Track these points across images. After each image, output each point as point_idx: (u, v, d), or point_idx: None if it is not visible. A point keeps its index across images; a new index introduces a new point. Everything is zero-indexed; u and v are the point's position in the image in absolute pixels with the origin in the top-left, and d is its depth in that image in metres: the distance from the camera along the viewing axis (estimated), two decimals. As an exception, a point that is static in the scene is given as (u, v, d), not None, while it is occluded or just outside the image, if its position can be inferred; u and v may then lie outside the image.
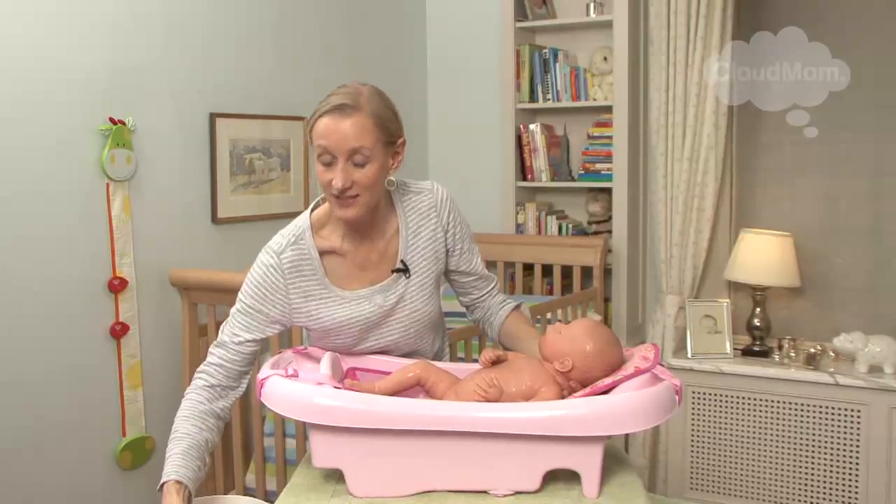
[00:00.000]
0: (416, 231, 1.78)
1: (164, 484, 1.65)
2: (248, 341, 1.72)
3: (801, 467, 3.30)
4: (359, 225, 1.73)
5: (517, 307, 1.94)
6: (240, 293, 1.74)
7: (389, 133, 1.66)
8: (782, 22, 3.43)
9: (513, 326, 1.89)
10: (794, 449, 3.30)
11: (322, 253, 1.72)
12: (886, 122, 3.45)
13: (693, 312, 3.53)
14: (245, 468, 2.95)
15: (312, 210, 1.77)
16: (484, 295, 1.94)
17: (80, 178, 2.67)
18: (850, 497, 3.21)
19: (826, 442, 3.24)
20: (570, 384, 1.60)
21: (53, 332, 2.62)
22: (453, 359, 2.00)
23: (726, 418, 3.42)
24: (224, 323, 1.76)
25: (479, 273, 1.91)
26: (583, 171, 3.88)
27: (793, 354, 3.37)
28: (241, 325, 1.72)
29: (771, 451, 3.35)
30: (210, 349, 1.75)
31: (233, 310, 1.74)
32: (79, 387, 2.69)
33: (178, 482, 1.65)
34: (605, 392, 1.52)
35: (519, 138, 3.94)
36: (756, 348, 3.48)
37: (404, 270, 1.76)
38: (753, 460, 3.38)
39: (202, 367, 1.74)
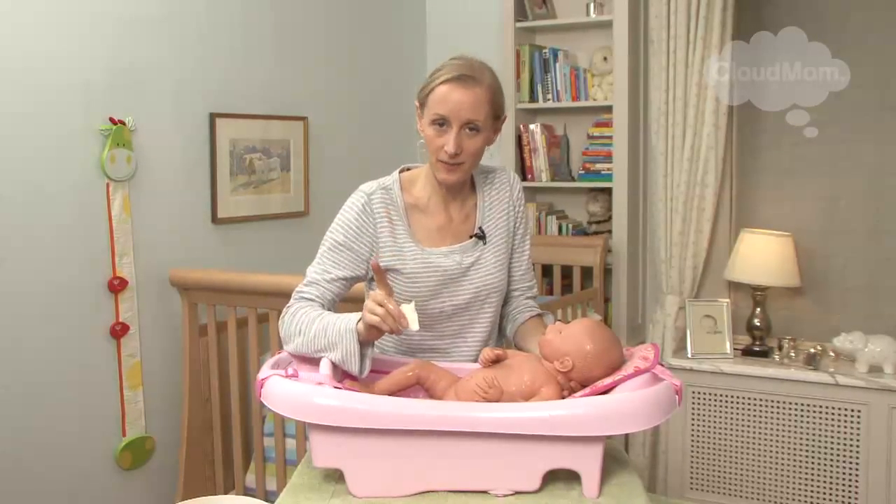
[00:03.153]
0: (491, 204, 1.91)
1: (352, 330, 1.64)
2: (340, 279, 1.78)
3: (801, 467, 3.30)
4: (450, 188, 1.84)
5: (541, 315, 1.96)
6: (328, 233, 1.82)
7: (498, 108, 1.79)
8: (782, 22, 3.43)
9: (530, 329, 1.90)
10: (794, 449, 3.30)
11: (407, 207, 1.83)
12: (886, 122, 3.45)
13: (693, 312, 3.53)
14: (245, 468, 2.95)
15: (401, 172, 1.89)
16: (519, 290, 1.97)
17: (80, 178, 2.67)
18: (850, 497, 3.21)
19: (826, 442, 3.24)
20: (571, 384, 1.60)
21: (53, 332, 2.62)
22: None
23: (726, 418, 3.42)
24: (309, 267, 1.81)
25: (523, 266, 1.96)
26: (583, 171, 3.88)
27: (793, 354, 3.37)
28: (331, 261, 1.79)
29: (771, 451, 3.35)
30: (298, 290, 1.78)
31: (320, 250, 1.81)
32: (79, 387, 2.69)
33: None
34: (605, 392, 1.52)
35: (519, 138, 3.94)
36: (756, 348, 3.48)
37: (482, 237, 1.86)
38: (753, 460, 3.38)
39: (292, 302, 1.77)
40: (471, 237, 1.86)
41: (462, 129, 1.72)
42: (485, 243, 1.86)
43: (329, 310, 1.76)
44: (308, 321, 1.69)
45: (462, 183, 1.85)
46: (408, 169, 1.91)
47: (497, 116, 1.80)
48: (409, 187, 1.86)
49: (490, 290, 1.85)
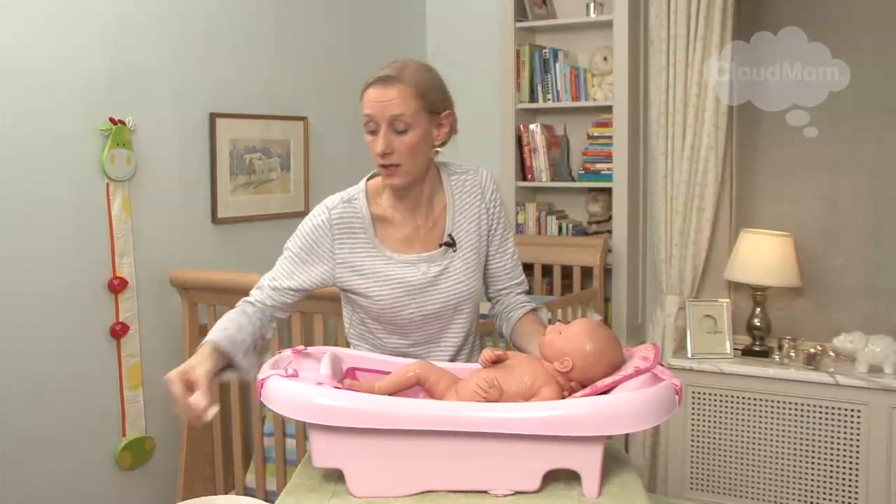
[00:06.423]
0: (462, 208, 1.87)
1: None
2: (287, 288, 1.79)
3: (801, 467, 3.30)
4: (408, 196, 1.81)
5: (535, 310, 1.95)
6: (288, 242, 1.82)
7: (431, 103, 1.74)
8: (782, 22, 3.43)
9: (527, 327, 1.89)
10: (794, 449, 3.30)
11: (374, 218, 1.81)
12: (886, 122, 3.45)
13: (693, 312, 3.53)
14: (245, 468, 2.95)
15: (368, 179, 1.86)
16: (508, 288, 1.95)
17: (80, 178, 2.67)
18: (850, 497, 3.21)
19: (826, 442, 3.24)
20: (571, 384, 1.60)
21: (53, 333, 2.62)
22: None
23: (726, 418, 3.42)
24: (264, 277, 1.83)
25: (507, 262, 1.93)
26: (583, 171, 3.88)
27: (793, 354, 3.37)
28: (283, 270, 1.80)
29: (771, 451, 3.35)
30: (250, 292, 1.82)
31: (279, 259, 1.82)
32: (79, 387, 2.69)
33: (216, 347, 1.66)
34: (605, 392, 1.52)
35: (519, 138, 3.94)
36: (756, 348, 3.48)
37: (451, 244, 1.83)
38: (753, 460, 3.38)
39: (240, 302, 1.80)
40: (440, 245, 1.83)
41: (389, 129, 1.71)
42: (454, 251, 1.83)
43: (269, 316, 1.80)
44: (223, 321, 1.74)
45: (412, 185, 1.79)
46: (376, 175, 1.87)
47: (433, 111, 1.75)
48: (375, 197, 1.83)
49: (461, 298, 1.83)
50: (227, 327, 1.72)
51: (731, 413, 3.41)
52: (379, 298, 1.79)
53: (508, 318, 1.94)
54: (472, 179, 1.90)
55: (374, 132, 1.73)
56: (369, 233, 1.80)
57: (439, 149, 1.81)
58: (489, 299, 2.01)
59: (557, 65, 3.84)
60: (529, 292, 2.00)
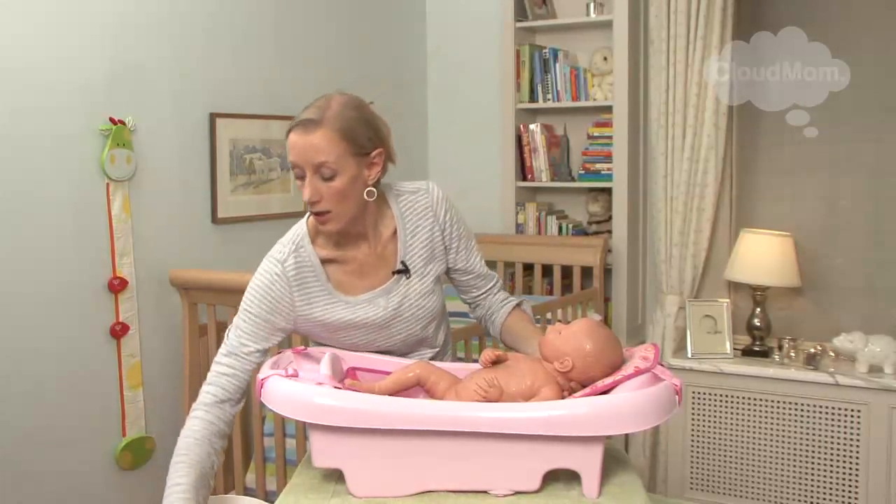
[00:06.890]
0: (413, 231, 1.80)
1: None
2: (257, 351, 1.74)
3: (801, 467, 3.30)
4: (350, 233, 1.75)
5: (519, 305, 1.94)
6: (245, 301, 1.74)
7: (358, 145, 1.66)
8: (782, 22, 3.43)
9: (515, 325, 1.89)
10: (794, 449, 3.30)
11: (322, 261, 1.75)
12: (886, 122, 3.45)
13: (693, 312, 3.53)
14: (245, 468, 2.95)
15: (309, 216, 1.77)
16: (484, 293, 1.94)
17: (80, 178, 2.67)
18: (850, 497, 3.21)
19: (826, 442, 3.24)
20: (570, 384, 1.60)
21: (53, 332, 2.62)
22: (453, 359, 2.01)
23: (726, 418, 3.42)
24: (228, 330, 1.77)
25: (477, 271, 1.91)
26: (583, 171, 3.88)
27: (793, 354, 3.37)
28: (248, 334, 1.73)
29: (771, 451, 3.35)
30: (217, 359, 1.75)
31: (238, 318, 1.75)
32: (79, 387, 2.69)
33: None
34: (605, 392, 1.52)
35: (519, 138, 3.94)
36: (756, 348, 3.48)
37: (404, 271, 1.78)
38: (753, 460, 3.38)
39: (211, 378, 1.73)
40: (393, 273, 1.77)
41: (315, 175, 1.63)
42: (408, 277, 1.78)
43: (245, 386, 1.75)
44: (190, 444, 1.67)
45: (348, 226, 1.71)
46: None
47: (362, 153, 1.67)
48: (318, 238, 1.76)
49: (425, 323, 1.81)
50: (196, 487, 1.63)
51: (731, 413, 3.41)
52: (344, 340, 1.77)
53: (492, 320, 1.93)
54: (422, 201, 1.81)
55: (302, 178, 1.65)
56: (322, 279, 1.73)
57: (373, 188, 1.71)
58: (467, 305, 1.99)
59: (557, 65, 3.84)
60: (505, 287, 1.98)
